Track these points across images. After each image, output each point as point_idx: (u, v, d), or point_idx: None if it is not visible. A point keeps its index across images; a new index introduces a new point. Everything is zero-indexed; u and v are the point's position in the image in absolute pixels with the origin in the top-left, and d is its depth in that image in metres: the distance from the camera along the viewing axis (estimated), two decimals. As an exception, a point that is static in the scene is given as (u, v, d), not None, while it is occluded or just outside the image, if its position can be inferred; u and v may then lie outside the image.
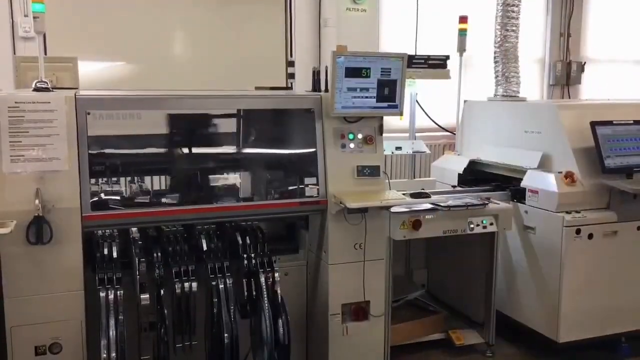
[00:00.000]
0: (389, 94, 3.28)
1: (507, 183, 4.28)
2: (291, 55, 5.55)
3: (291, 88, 4.71)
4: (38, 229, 2.70)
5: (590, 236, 3.73)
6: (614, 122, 3.93)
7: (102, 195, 2.91)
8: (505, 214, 3.79)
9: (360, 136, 3.34)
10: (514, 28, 4.65)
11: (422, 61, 4.38)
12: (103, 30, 4.92)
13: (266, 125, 3.46)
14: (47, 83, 2.92)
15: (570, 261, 3.71)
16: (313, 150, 3.28)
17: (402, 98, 3.32)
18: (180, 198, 3.07)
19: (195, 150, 3.21)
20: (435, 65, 4.42)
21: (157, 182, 3.06)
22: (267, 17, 5.55)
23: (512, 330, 4.13)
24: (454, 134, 5.14)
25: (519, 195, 4.05)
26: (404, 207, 3.51)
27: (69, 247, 2.79)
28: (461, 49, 4.67)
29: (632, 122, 3.99)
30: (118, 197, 2.95)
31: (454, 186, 4.52)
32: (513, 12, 4.62)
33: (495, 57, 4.75)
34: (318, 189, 3.25)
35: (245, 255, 3.13)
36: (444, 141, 6.14)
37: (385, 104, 3.29)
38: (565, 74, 7.17)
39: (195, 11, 5.28)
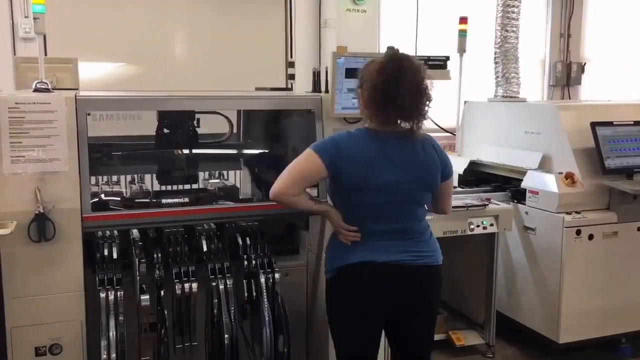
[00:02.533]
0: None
1: (508, 184, 4.28)
2: (291, 56, 5.55)
3: (291, 89, 4.70)
4: (40, 226, 2.70)
5: (590, 237, 3.73)
6: (614, 123, 3.93)
7: (103, 196, 2.92)
8: (506, 214, 3.79)
9: (360, 137, 3.33)
10: (514, 29, 4.65)
11: (423, 62, 4.37)
12: (103, 31, 4.92)
13: (266, 126, 3.46)
14: (47, 84, 2.91)
15: (570, 262, 3.71)
16: (313, 151, 3.27)
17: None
18: (180, 199, 3.07)
19: (195, 151, 3.21)
20: (436, 66, 4.40)
21: (157, 183, 3.06)
22: (267, 18, 5.55)
23: (512, 331, 4.13)
24: (454, 134, 5.13)
25: (519, 196, 4.06)
26: (404, 207, 3.50)
27: (69, 248, 2.79)
28: (461, 49, 4.67)
29: (632, 122, 3.99)
30: (118, 198, 2.96)
31: (454, 187, 4.51)
32: (513, 12, 4.62)
33: (495, 58, 4.75)
34: (318, 190, 3.25)
35: (245, 256, 3.13)
36: (444, 142, 6.10)
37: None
38: (566, 75, 7.17)
39: (195, 12, 5.28)
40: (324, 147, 2.49)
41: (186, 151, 3.23)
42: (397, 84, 2.43)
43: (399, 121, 2.50)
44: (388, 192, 2.44)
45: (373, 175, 2.43)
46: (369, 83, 2.46)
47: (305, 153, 2.50)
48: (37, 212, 2.69)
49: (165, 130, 3.15)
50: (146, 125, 3.09)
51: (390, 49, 2.66)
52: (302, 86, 4.52)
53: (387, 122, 2.49)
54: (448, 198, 2.77)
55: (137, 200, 3.04)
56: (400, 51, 2.63)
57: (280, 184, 2.49)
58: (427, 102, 2.59)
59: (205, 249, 3.09)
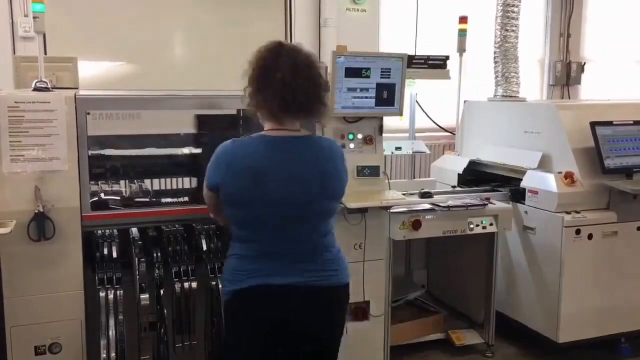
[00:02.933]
0: (388, 93, 3.28)
1: (507, 183, 4.28)
2: (291, 55, 5.55)
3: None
4: (40, 225, 2.70)
5: (590, 236, 3.73)
6: (614, 123, 3.93)
7: (102, 195, 2.92)
8: (505, 214, 3.79)
9: (360, 136, 3.34)
10: (513, 28, 4.65)
11: (422, 61, 4.37)
12: (103, 30, 4.92)
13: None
14: (47, 83, 2.91)
15: (570, 261, 3.71)
16: (313, 150, 3.27)
17: (402, 98, 3.32)
18: (179, 198, 3.07)
19: (195, 150, 3.21)
20: (435, 65, 4.41)
21: (157, 182, 3.06)
22: (267, 17, 5.54)
23: (511, 330, 4.13)
24: (454, 134, 5.13)
25: (518, 195, 4.05)
26: (403, 207, 3.51)
27: (69, 247, 2.79)
28: (461, 49, 4.67)
29: (632, 122, 4.00)
30: (118, 197, 2.95)
31: (453, 186, 4.51)
32: (513, 12, 4.62)
33: (495, 58, 4.75)
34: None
35: (245, 255, 3.13)
36: (443, 141, 6.13)
37: (385, 105, 3.30)
38: (565, 74, 7.17)
39: (195, 11, 5.28)
40: (208, 177, 2.36)
41: (186, 150, 3.23)
42: (276, 61, 2.22)
43: (292, 117, 2.27)
44: (283, 204, 2.23)
45: (264, 186, 2.20)
46: (250, 70, 2.30)
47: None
48: (36, 211, 2.69)
49: (168, 130, 3.16)
50: (146, 124, 3.08)
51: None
52: (302, 85, 4.52)
53: (277, 115, 2.25)
54: None
55: (136, 199, 3.03)
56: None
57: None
58: (322, 89, 2.29)
59: (204, 247, 3.09)
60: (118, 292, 2.79)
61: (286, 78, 2.18)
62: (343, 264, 2.40)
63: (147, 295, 2.82)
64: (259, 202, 2.22)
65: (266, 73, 2.22)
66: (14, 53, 4.73)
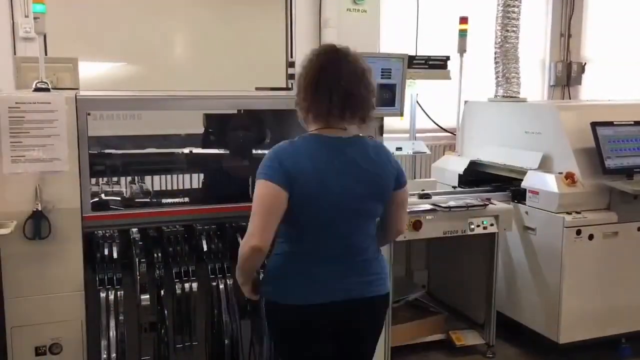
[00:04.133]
0: (389, 94, 3.28)
1: (508, 184, 4.28)
2: (292, 56, 5.55)
3: (291, 89, 4.70)
4: (36, 224, 2.69)
5: (590, 237, 3.73)
6: (615, 123, 3.93)
7: (103, 195, 2.92)
8: (506, 214, 3.79)
9: (360, 137, 3.33)
10: (514, 29, 4.65)
11: (423, 62, 4.38)
12: (104, 31, 4.92)
13: (266, 126, 3.46)
14: (47, 83, 2.91)
15: (570, 262, 3.71)
16: (313, 150, 3.27)
17: (403, 99, 3.32)
18: (180, 198, 3.07)
19: (195, 150, 3.21)
20: (436, 65, 4.41)
21: (158, 183, 3.06)
22: (268, 18, 5.54)
23: (512, 331, 4.13)
24: (455, 134, 5.14)
25: (519, 195, 4.05)
26: (404, 207, 3.51)
27: (69, 248, 2.79)
28: (461, 49, 4.67)
29: (632, 122, 4.00)
30: (118, 198, 2.96)
31: (454, 187, 4.52)
32: (513, 12, 4.62)
33: (495, 58, 4.75)
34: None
35: (245, 256, 3.12)
36: (444, 142, 6.13)
37: (385, 105, 3.29)
38: (566, 75, 7.17)
39: (195, 12, 5.28)
40: (271, 169, 2.20)
41: (186, 151, 3.23)
42: (336, 66, 2.22)
43: (342, 118, 2.28)
44: (338, 205, 2.23)
45: (324, 187, 2.20)
46: (304, 72, 2.27)
47: (259, 186, 2.19)
48: (34, 209, 2.69)
49: (168, 131, 3.16)
50: (146, 125, 3.09)
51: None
52: (302, 86, 4.52)
53: (328, 116, 2.26)
54: (403, 209, 2.49)
55: (137, 200, 3.04)
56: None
57: (254, 236, 2.16)
58: (372, 94, 2.31)
59: (205, 248, 3.09)
60: (119, 292, 2.79)
61: (347, 85, 2.22)
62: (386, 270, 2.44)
63: (147, 296, 2.82)
64: (323, 201, 2.20)
65: (325, 78, 2.23)
66: (15, 54, 4.73)
